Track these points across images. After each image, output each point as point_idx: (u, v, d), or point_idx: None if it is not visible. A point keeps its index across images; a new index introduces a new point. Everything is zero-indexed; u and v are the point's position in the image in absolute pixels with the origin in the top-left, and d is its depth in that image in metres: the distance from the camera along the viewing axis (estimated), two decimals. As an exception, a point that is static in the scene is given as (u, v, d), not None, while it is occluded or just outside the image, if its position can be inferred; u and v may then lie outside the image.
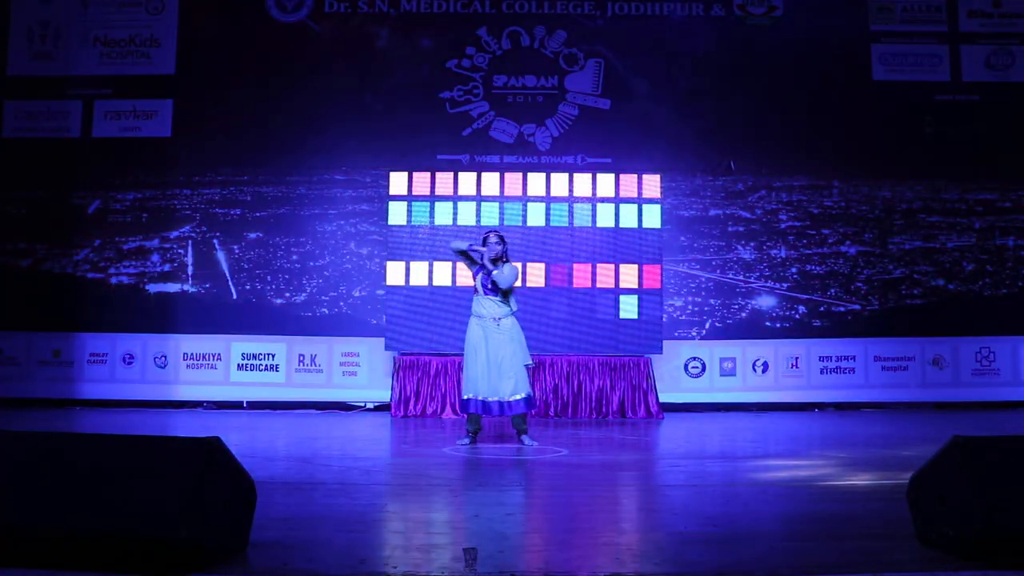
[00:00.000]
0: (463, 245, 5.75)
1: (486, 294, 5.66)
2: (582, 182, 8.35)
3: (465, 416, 5.82)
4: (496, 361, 5.56)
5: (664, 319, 8.43)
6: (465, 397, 5.64)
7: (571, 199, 8.33)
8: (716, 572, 2.39)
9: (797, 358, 8.76)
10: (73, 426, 7.01)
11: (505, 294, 5.66)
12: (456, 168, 8.72)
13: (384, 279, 8.42)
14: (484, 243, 5.69)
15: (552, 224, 8.30)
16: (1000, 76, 9.19)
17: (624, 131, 9.01)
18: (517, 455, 5.26)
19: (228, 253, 8.97)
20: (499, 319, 5.62)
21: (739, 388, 8.70)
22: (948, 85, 9.20)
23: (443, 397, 7.99)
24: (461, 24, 9.19)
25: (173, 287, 8.95)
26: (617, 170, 8.51)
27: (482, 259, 5.65)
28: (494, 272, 5.62)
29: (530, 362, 5.76)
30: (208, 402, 8.69)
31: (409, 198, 8.32)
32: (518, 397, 5.55)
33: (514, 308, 5.72)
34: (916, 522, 2.74)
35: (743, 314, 8.88)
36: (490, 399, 5.55)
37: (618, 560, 2.51)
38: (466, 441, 5.66)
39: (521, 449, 5.48)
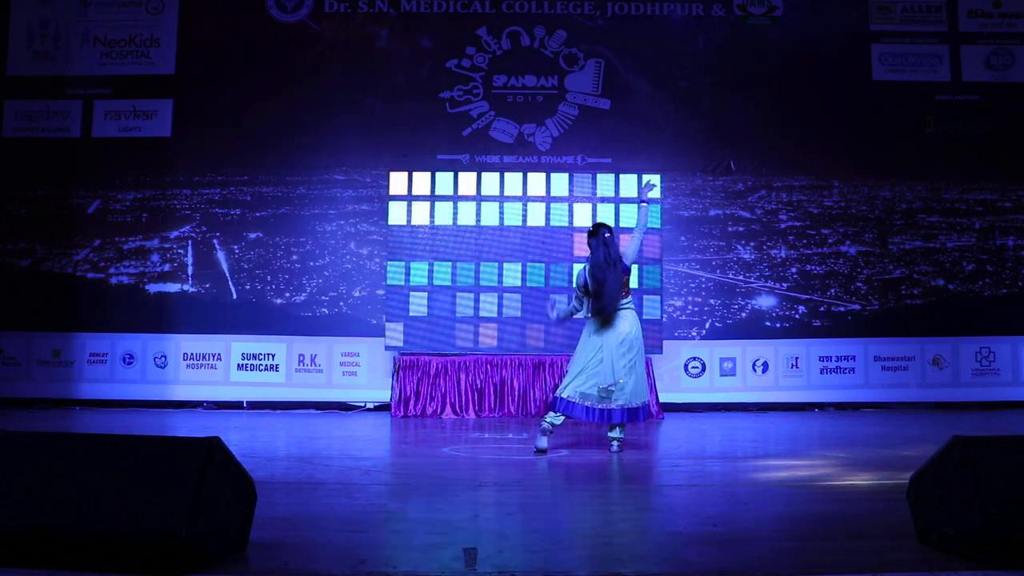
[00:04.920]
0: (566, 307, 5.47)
1: None
2: (582, 182, 8.35)
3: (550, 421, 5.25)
4: None
5: (664, 319, 8.43)
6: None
7: (571, 199, 8.33)
8: (716, 572, 2.39)
9: (797, 358, 8.76)
10: (73, 426, 7.01)
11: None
12: (456, 168, 8.72)
13: (384, 279, 8.43)
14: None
15: (552, 224, 8.30)
16: (1000, 76, 9.18)
17: (624, 131, 9.00)
18: (517, 455, 5.26)
19: (228, 253, 8.97)
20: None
21: (739, 388, 8.70)
22: (948, 85, 9.19)
23: (443, 397, 8.00)
24: (461, 24, 9.18)
25: (173, 287, 8.95)
26: (617, 170, 8.51)
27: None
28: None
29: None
30: (208, 402, 8.69)
31: (409, 198, 8.32)
32: None
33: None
34: (916, 522, 2.74)
35: (743, 314, 8.87)
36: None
37: (618, 560, 2.51)
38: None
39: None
